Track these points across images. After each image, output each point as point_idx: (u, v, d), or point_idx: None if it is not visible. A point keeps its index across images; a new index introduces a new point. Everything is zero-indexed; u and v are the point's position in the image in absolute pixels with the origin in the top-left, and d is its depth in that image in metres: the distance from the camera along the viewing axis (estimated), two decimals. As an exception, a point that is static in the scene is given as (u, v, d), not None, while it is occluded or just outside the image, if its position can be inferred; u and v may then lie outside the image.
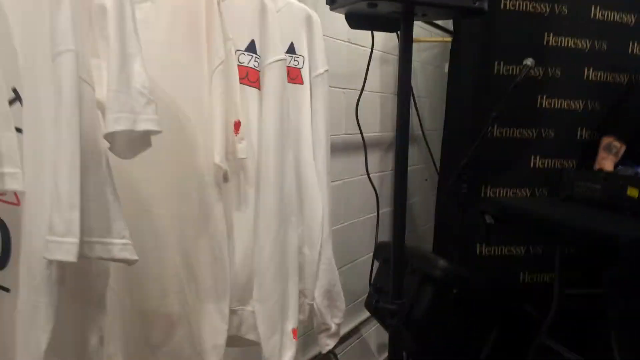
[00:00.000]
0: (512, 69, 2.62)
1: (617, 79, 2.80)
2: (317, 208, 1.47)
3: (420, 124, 2.88)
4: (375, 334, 2.70)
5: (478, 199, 2.60)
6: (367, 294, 2.19)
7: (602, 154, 2.57)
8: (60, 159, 0.83)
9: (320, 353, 1.72)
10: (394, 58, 2.69)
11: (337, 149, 2.18)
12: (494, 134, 2.62)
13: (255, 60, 1.37)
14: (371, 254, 2.15)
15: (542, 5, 2.64)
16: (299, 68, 1.56)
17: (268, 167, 1.33)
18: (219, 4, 1.17)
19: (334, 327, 1.50)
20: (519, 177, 2.70)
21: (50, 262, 0.85)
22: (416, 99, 2.90)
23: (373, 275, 2.06)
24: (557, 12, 2.66)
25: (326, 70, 1.66)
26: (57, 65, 0.84)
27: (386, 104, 2.73)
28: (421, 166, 3.10)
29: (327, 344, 1.49)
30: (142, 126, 0.89)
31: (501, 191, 2.67)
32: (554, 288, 1.97)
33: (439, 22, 2.98)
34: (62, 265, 0.86)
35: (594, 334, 2.66)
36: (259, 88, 1.38)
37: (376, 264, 2.07)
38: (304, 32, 1.58)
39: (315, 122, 1.58)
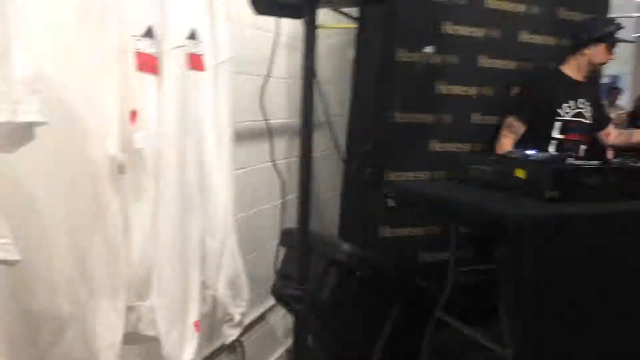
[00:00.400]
0: (414, 56, 2.71)
1: (508, 66, 2.97)
2: (219, 198, 1.45)
3: (326, 110, 2.91)
4: (282, 320, 2.73)
5: (381, 183, 2.68)
6: (273, 281, 2.21)
7: (503, 132, 2.79)
8: None
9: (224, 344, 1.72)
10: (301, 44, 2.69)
11: (243, 136, 2.16)
12: (396, 120, 2.70)
13: (153, 47, 1.33)
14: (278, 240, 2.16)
15: (439, -5, 2.74)
16: (200, 55, 1.53)
17: (168, 157, 1.30)
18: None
19: (237, 317, 1.50)
20: (420, 161, 2.80)
21: None
22: (322, 85, 2.92)
23: (279, 262, 2.07)
24: (455, 1, 2.77)
25: (230, 57, 1.64)
26: None
27: (294, 91, 2.74)
28: (329, 152, 3.14)
29: (231, 334, 1.49)
30: (23, 117, 0.84)
31: (403, 175, 2.77)
32: (449, 265, 2.08)
33: (345, 9, 3.01)
34: None
35: (488, 307, 2.86)
36: (157, 75, 1.35)
37: (283, 251, 2.09)
38: (206, 17, 1.55)
39: (218, 110, 1.56)
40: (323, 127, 3.05)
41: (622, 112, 8.17)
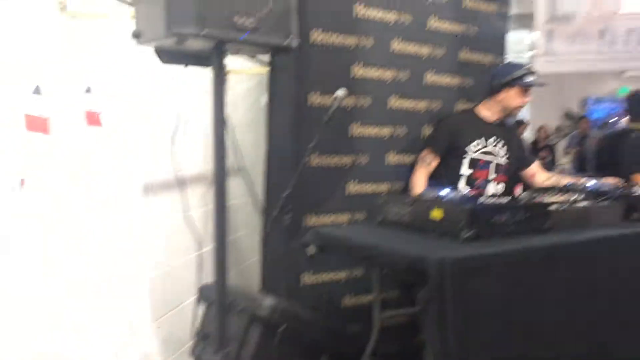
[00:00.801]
0: (326, 99, 2.72)
1: (418, 106, 3.06)
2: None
3: (239, 157, 2.85)
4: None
5: (301, 229, 2.64)
6: (193, 343, 2.08)
7: (417, 164, 2.87)
8: None
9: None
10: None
11: (153, 188, 2.06)
12: (313, 164, 2.69)
13: (43, 105, 1.23)
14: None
15: (348, 39, 2.78)
16: (97, 112, 1.44)
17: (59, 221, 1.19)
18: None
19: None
20: (338, 203, 2.79)
21: None
22: (237, 130, 2.87)
23: (199, 320, 1.96)
24: (362, 45, 2.83)
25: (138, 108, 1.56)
26: None
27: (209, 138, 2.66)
28: (246, 199, 3.06)
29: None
30: None
31: (323, 219, 2.74)
32: (373, 310, 2.05)
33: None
34: None
35: (416, 348, 2.84)
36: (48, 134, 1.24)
37: (203, 308, 1.98)
38: (106, 71, 1.47)
39: (122, 164, 1.47)
40: (239, 174, 2.99)
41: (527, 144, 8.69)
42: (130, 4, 1.58)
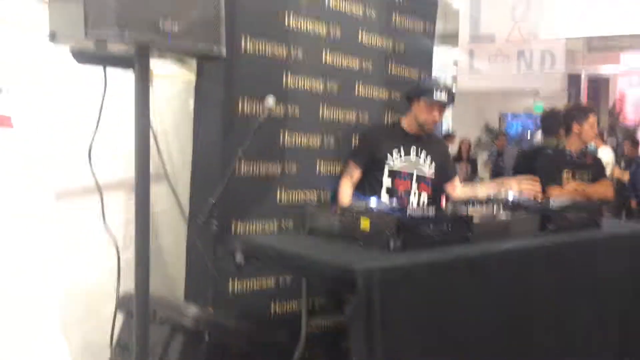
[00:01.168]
0: (256, 107, 2.70)
1: (347, 117, 3.10)
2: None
3: (163, 163, 2.77)
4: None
5: (229, 236, 2.59)
6: (110, 354, 1.99)
7: (342, 174, 2.91)
8: None
9: None
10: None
11: (69, 193, 1.96)
12: (242, 171, 2.66)
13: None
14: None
15: (279, 49, 2.78)
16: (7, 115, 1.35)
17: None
18: None
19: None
20: (267, 211, 2.78)
21: None
22: (162, 135, 2.79)
23: (117, 331, 1.88)
24: (292, 55, 2.84)
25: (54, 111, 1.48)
26: None
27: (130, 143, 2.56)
28: (171, 205, 2.98)
29: None
30: None
31: (250, 227, 2.71)
32: (301, 319, 2.04)
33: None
34: None
35: (343, 354, 2.85)
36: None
37: (122, 318, 1.89)
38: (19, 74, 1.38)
39: (33, 170, 1.38)
40: (163, 181, 2.90)
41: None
42: (45, 2, 1.51)
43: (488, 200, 2.35)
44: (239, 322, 2.15)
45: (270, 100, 2.55)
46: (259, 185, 2.76)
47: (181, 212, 2.66)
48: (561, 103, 4.96)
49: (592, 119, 3.49)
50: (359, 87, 3.14)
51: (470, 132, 10.79)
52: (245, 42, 2.67)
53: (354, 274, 1.56)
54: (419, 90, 2.91)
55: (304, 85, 2.90)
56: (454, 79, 6.40)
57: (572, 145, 3.52)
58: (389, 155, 2.88)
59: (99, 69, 1.58)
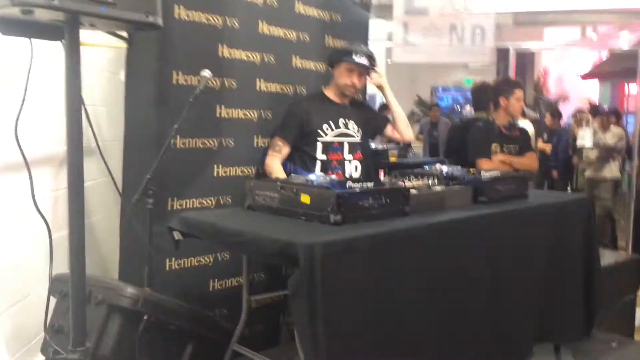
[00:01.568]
0: (191, 79, 2.62)
1: (285, 90, 3.07)
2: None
3: (95, 136, 2.65)
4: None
5: (165, 213, 2.53)
6: (44, 338, 1.91)
7: (269, 151, 2.82)
8: None
9: None
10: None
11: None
12: (177, 145, 2.59)
13: None
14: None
15: (214, 18, 2.70)
16: None
17: None
18: None
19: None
20: (204, 187, 2.73)
21: None
22: (91, 107, 2.66)
23: (50, 313, 1.80)
24: (229, 25, 2.77)
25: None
26: None
27: (57, 116, 2.43)
28: (102, 180, 2.87)
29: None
30: None
31: (188, 203, 2.66)
32: (243, 295, 2.03)
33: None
34: None
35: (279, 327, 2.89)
36: None
37: (56, 300, 1.82)
38: None
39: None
40: (94, 154, 2.78)
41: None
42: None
43: (423, 173, 2.40)
44: (178, 300, 2.11)
45: (206, 73, 2.49)
46: (196, 160, 2.70)
47: (115, 188, 2.57)
48: (490, 77, 5.11)
49: (518, 93, 3.62)
50: (296, 59, 3.11)
51: (404, 105, 10.94)
52: (179, 10, 2.58)
53: (296, 248, 1.57)
54: (339, 54, 2.87)
55: (240, 57, 2.84)
56: (389, 51, 6.45)
57: (500, 119, 3.65)
58: (319, 130, 2.82)
59: (24, 40, 1.48)
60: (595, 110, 7.02)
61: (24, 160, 1.66)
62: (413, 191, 2.06)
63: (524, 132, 3.80)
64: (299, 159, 2.84)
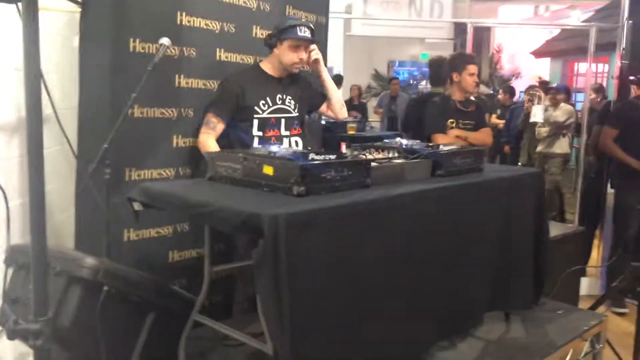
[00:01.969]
0: (149, 47, 2.56)
1: (245, 60, 3.03)
2: None
3: (52, 103, 2.56)
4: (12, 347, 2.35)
5: (122, 183, 2.49)
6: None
7: (202, 128, 2.66)
8: None
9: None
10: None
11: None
12: (135, 115, 2.53)
13: None
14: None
15: (171, -17, 2.63)
16: None
17: None
18: None
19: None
20: (163, 157, 2.69)
21: None
22: (45, 75, 2.57)
23: (6, 285, 1.76)
24: (189, -8, 2.70)
25: None
26: None
27: (7, 83, 2.34)
28: (57, 148, 2.78)
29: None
30: None
31: (146, 173, 2.62)
32: (204, 266, 2.03)
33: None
34: None
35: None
36: None
37: (11, 271, 1.78)
38: None
39: None
40: (47, 121, 2.69)
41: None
42: None
43: (383, 146, 2.43)
44: (138, 270, 2.09)
45: (165, 40, 2.43)
46: (154, 130, 2.66)
47: (71, 157, 2.51)
48: (447, 52, 5.17)
49: (470, 68, 3.64)
50: (256, 29, 3.07)
51: (361, 78, 11.00)
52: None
53: (260, 219, 1.57)
54: (281, 32, 2.67)
55: (200, 25, 2.78)
56: (347, 24, 6.44)
57: (455, 95, 3.71)
58: (255, 107, 2.70)
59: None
60: (545, 87, 7.21)
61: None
62: (374, 164, 2.09)
63: (479, 107, 3.88)
64: (236, 136, 2.72)
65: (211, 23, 2.84)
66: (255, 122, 2.70)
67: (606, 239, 4.74)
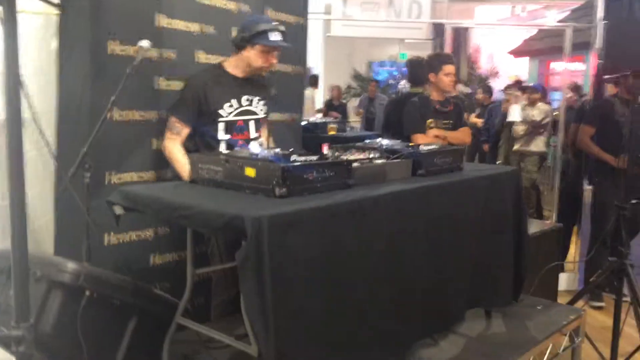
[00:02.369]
0: (128, 49, 2.54)
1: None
2: None
3: (31, 107, 2.53)
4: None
5: (102, 187, 2.47)
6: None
7: (167, 133, 2.59)
8: None
9: None
10: None
11: None
12: (115, 118, 2.52)
13: None
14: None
15: (149, -15, 2.62)
16: None
17: None
18: None
19: None
20: (143, 160, 2.68)
21: None
22: (22, 77, 2.53)
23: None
24: (168, -6, 2.69)
25: None
26: None
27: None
28: (35, 152, 2.75)
29: None
30: None
31: (126, 176, 2.61)
32: (187, 269, 2.03)
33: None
34: None
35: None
36: None
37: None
38: None
39: None
40: (25, 125, 2.65)
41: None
42: None
43: (364, 147, 2.45)
44: (120, 274, 2.08)
45: (144, 43, 2.42)
46: (134, 133, 2.64)
47: (51, 162, 2.48)
48: (426, 52, 5.21)
49: (446, 68, 3.65)
50: (236, 31, 3.05)
51: (341, 79, 11.03)
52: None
53: (243, 221, 1.58)
54: (252, 37, 2.56)
55: (178, 27, 2.77)
56: (327, 24, 6.46)
57: (434, 95, 3.74)
58: (219, 111, 2.61)
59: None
60: (522, 86, 7.31)
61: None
62: (355, 164, 2.10)
63: (457, 106, 3.91)
64: (202, 141, 2.63)
65: (190, 25, 2.84)
66: (221, 126, 2.62)
67: (583, 235, 4.83)
